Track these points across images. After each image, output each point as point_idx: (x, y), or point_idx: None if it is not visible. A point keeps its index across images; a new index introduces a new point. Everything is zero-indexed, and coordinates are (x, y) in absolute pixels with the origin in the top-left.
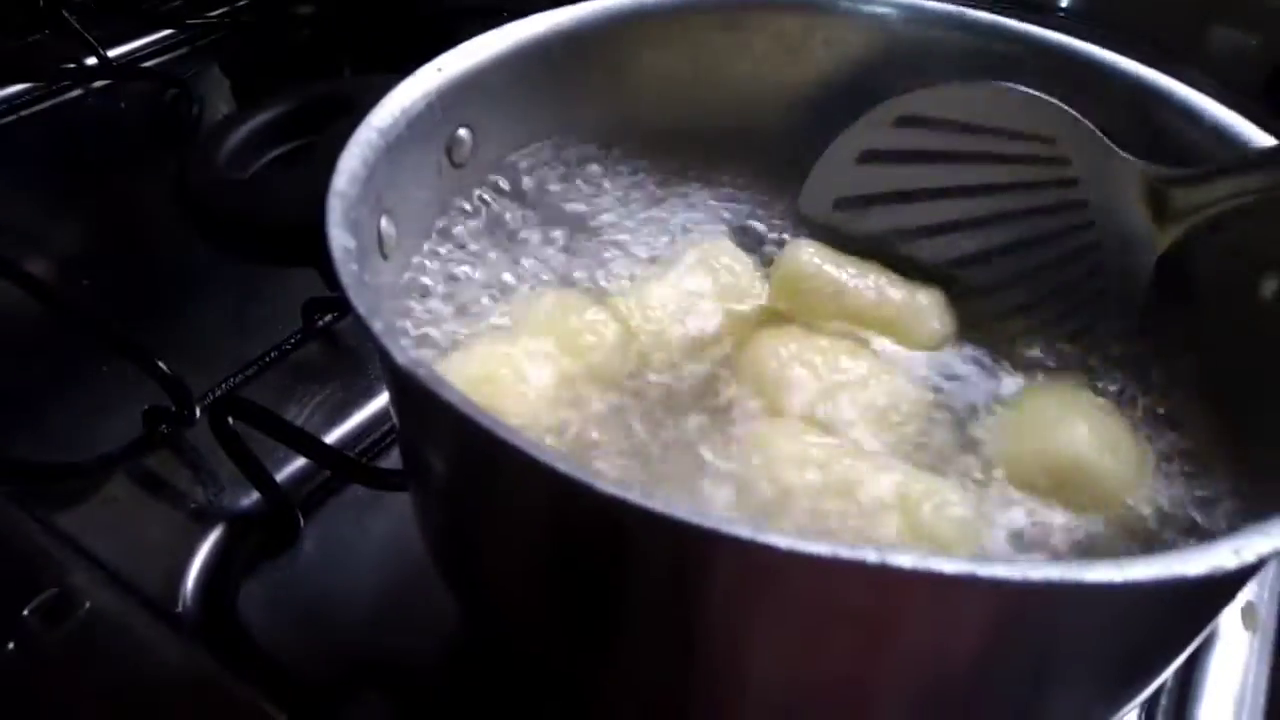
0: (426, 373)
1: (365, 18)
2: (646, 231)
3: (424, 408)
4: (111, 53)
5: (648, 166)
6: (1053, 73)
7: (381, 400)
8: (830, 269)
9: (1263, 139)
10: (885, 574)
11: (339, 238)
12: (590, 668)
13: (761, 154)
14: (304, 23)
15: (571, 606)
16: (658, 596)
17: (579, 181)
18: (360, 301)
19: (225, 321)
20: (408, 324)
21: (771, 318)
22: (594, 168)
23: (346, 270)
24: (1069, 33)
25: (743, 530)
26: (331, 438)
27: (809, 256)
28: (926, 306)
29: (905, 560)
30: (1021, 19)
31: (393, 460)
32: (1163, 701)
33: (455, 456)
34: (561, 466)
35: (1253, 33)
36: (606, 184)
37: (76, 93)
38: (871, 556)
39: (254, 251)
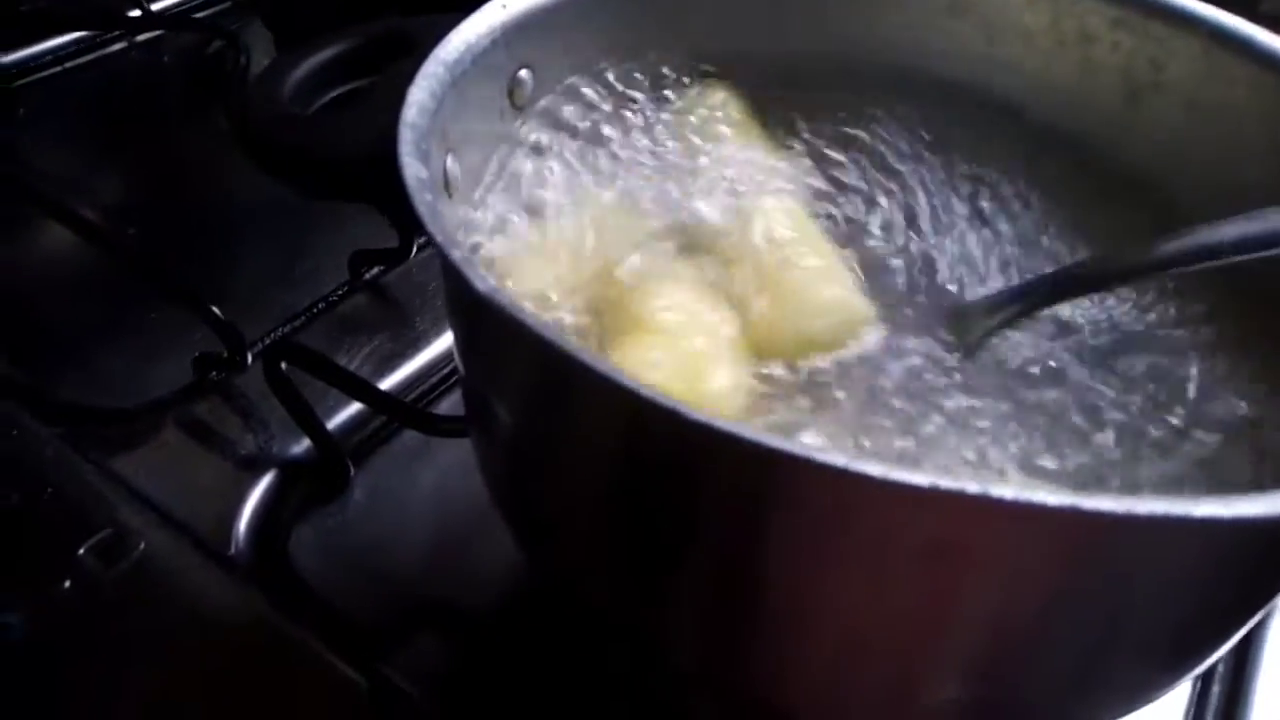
0: (506, 298)
1: None
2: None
3: (501, 334)
4: (155, 6)
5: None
6: None
7: (430, 352)
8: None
9: None
10: (984, 504)
11: (412, 167)
12: (658, 610)
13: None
14: None
15: (643, 545)
16: (735, 526)
17: (643, 116)
18: (437, 229)
19: (272, 273)
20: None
21: None
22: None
23: (421, 199)
24: None
25: (836, 458)
26: (382, 387)
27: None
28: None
29: (1006, 491)
30: None
31: (444, 409)
32: (1219, 670)
33: (530, 385)
34: (643, 391)
35: None
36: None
37: (120, 45)
38: (971, 487)
39: (318, 186)
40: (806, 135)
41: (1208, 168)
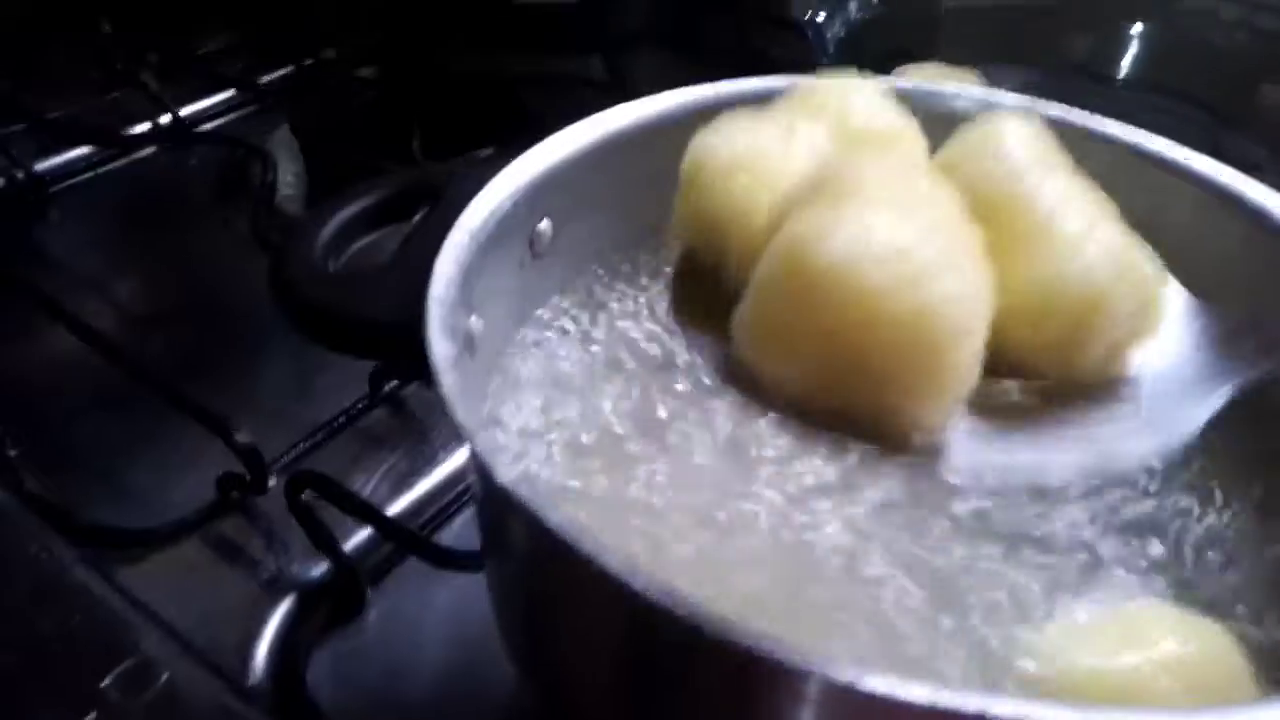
0: (530, 492)
1: (425, 81)
2: None
3: (515, 524)
4: (184, 111)
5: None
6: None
7: (445, 470)
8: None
9: None
10: None
11: (440, 345)
12: None
13: None
14: (369, 84)
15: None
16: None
17: (653, 271)
18: (464, 415)
19: (294, 385)
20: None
21: None
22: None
23: (449, 380)
24: (1126, 104)
25: (839, 671)
26: (397, 506)
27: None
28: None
29: (1005, 709)
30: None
31: (456, 530)
32: None
33: (546, 573)
34: (650, 591)
35: None
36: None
37: (150, 150)
38: (972, 705)
39: (347, 346)
40: None
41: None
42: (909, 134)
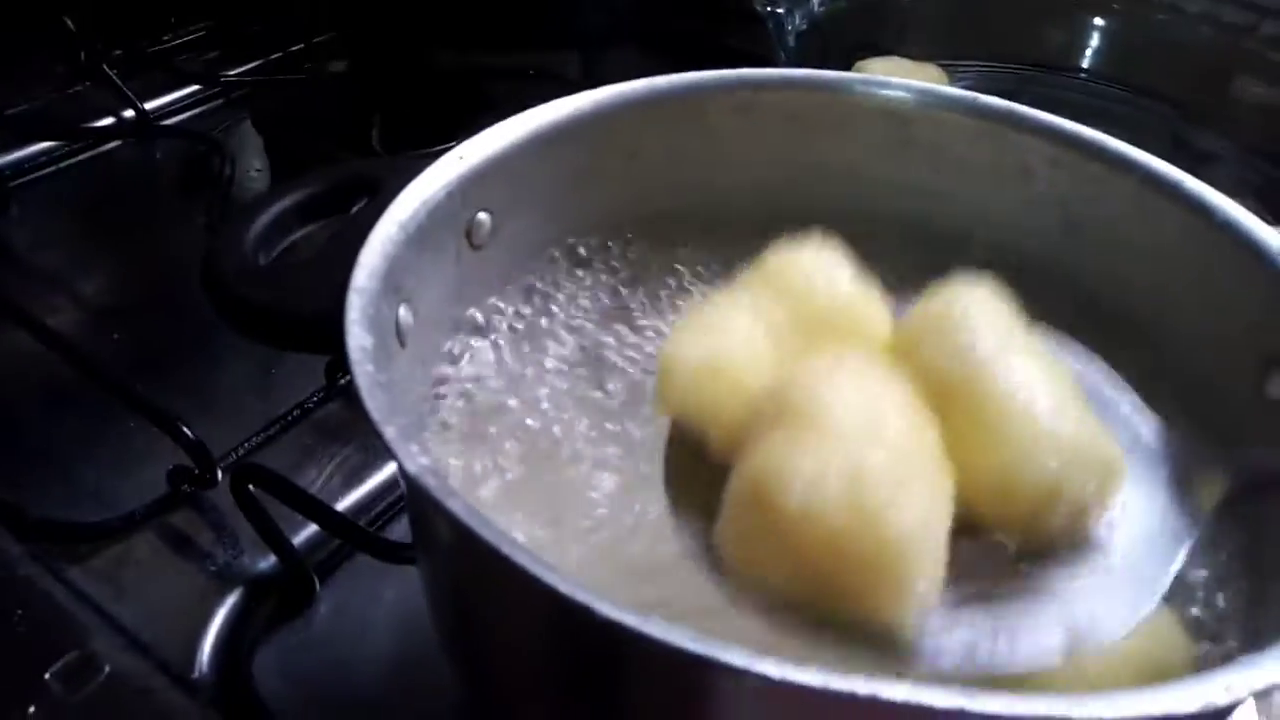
0: (436, 482)
1: (395, 75)
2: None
3: (431, 515)
4: (149, 105)
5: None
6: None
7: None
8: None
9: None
10: (875, 706)
11: (357, 335)
12: None
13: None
14: (335, 79)
15: (569, 712)
16: (655, 712)
17: (596, 264)
18: (374, 405)
19: (251, 378)
20: (424, 409)
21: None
22: (611, 250)
23: (362, 371)
24: (1090, 96)
25: (736, 658)
26: (349, 500)
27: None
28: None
29: (896, 693)
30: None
31: (406, 525)
32: None
33: (461, 564)
34: (562, 587)
35: (1275, 89)
36: (617, 265)
37: (113, 144)
38: (861, 688)
39: (277, 341)
40: None
41: (1145, 294)
42: (871, 310)
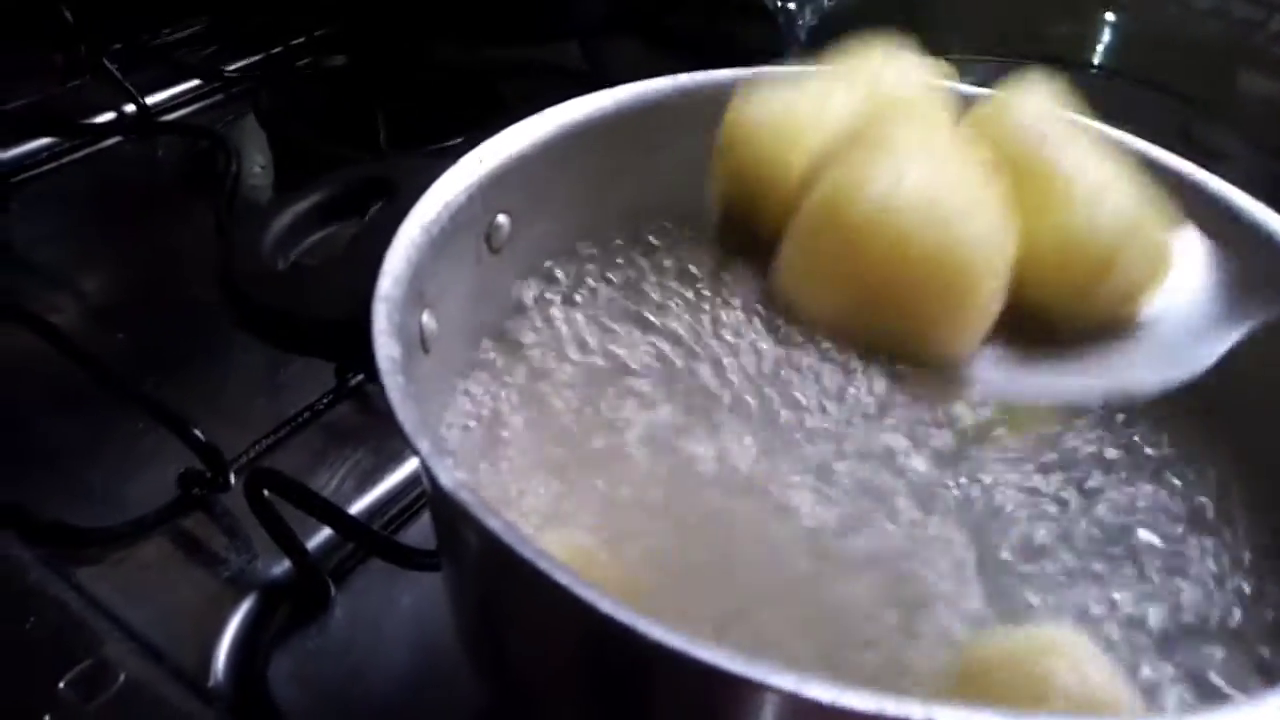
0: (472, 498)
1: (395, 69)
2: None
3: (462, 529)
4: (150, 99)
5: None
6: None
7: (410, 466)
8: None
9: None
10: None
11: (385, 346)
12: None
13: None
14: (338, 72)
15: None
16: None
17: (614, 265)
18: (407, 419)
19: (260, 379)
20: (447, 415)
21: None
22: (632, 250)
23: (393, 383)
24: (1100, 93)
25: (785, 680)
26: (362, 504)
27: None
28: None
29: (949, 715)
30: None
31: (422, 527)
32: None
33: (494, 579)
34: (603, 606)
35: None
36: (643, 264)
37: (114, 140)
38: (917, 713)
39: (294, 345)
40: None
41: None
42: (938, 100)
